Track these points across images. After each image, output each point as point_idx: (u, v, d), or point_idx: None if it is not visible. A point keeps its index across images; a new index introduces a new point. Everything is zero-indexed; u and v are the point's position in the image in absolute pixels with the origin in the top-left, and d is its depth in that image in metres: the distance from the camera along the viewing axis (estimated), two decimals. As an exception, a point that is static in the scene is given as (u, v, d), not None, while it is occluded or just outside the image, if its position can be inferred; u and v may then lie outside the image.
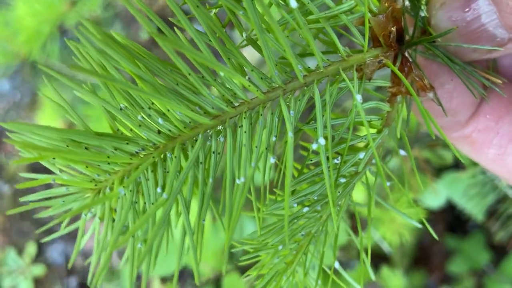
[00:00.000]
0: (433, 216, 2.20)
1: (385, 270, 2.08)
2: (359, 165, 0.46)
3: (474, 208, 1.85)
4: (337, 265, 0.48)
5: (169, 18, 0.43)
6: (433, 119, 0.43)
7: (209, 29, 0.40)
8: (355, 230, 0.51)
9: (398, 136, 0.43)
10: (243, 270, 1.88)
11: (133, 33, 2.28)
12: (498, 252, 2.27)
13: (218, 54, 0.43)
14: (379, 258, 2.23)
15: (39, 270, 2.79)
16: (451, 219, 2.36)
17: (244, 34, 0.44)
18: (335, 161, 0.45)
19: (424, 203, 1.93)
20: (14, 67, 1.83)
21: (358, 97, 0.40)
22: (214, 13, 0.44)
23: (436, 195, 1.91)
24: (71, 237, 2.82)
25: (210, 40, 0.41)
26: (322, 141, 0.40)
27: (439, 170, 1.90)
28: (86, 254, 2.79)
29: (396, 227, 1.65)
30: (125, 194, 0.38)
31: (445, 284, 2.23)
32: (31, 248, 2.82)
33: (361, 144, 0.49)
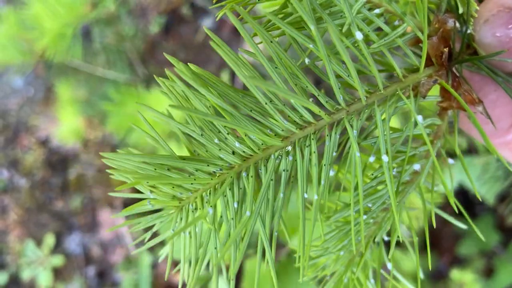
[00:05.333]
0: (445, 200, 2.24)
1: (397, 253, 2.14)
2: (416, 175, 0.50)
3: (488, 192, 1.90)
4: (390, 266, 0.53)
5: (239, 48, 0.46)
6: (481, 128, 0.47)
7: (278, 59, 0.44)
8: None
9: (458, 153, 0.47)
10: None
11: (143, 27, 2.30)
12: (507, 233, 2.32)
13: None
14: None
15: (58, 260, 2.86)
16: (460, 203, 2.41)
17: (306, 60, 0.47)
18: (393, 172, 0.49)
19: (438, 187, 1.97)
20: (31, 66, 1.85)
21: (420, 118, 0.44)
22: (277, 42, 0.47)
23: (450, 179, 1.95)
24: (88, 228, 2.88)
25: (276, 67, 0.45)
26: (385, 158, 0.44)
27: (453, 156, 1.95)
28: (104, 245, 2.85)
29: (414, 212, 1.69)
30: (211, 213, 0.42)
31: (456, 266, 2.29)
32: (49, 240, 2.88)
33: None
